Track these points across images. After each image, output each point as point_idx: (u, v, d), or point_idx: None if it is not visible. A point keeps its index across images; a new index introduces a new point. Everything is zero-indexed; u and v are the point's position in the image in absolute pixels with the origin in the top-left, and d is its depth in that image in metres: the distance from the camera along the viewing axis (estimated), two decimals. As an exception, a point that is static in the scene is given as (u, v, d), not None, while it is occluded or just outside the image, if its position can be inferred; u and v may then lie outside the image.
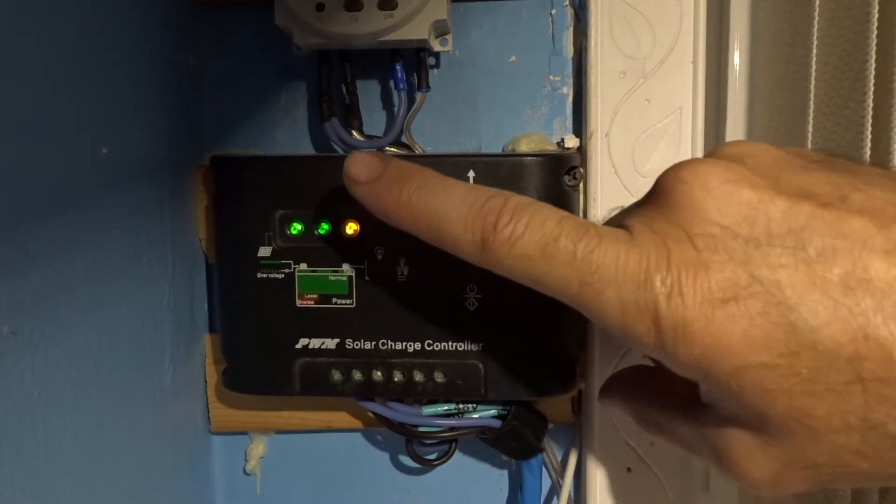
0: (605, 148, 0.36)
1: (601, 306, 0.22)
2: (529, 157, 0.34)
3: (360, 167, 0.27)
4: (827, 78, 0.31)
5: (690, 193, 0.21)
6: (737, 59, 0.36)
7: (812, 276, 0.19)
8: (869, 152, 0.28)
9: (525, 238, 0.23)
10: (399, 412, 0.37)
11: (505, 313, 0.34)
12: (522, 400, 0.37)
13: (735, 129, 0.37)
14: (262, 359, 0.36)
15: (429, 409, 0.37)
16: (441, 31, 0.36)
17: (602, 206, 0.36)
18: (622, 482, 0.37)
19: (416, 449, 0.39)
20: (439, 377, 0.35)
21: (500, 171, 0.33)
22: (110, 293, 0.31)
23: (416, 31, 0.34)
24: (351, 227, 0.34)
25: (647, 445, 0.37)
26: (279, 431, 0.42)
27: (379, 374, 0.35)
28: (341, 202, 0.34)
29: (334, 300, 0.35)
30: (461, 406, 0.37)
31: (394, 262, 0.34)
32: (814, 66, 0.31)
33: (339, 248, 0.34)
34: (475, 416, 0.37)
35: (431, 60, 0.39)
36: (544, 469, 0.40)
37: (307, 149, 0.41)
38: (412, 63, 0.37)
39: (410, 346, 0.35)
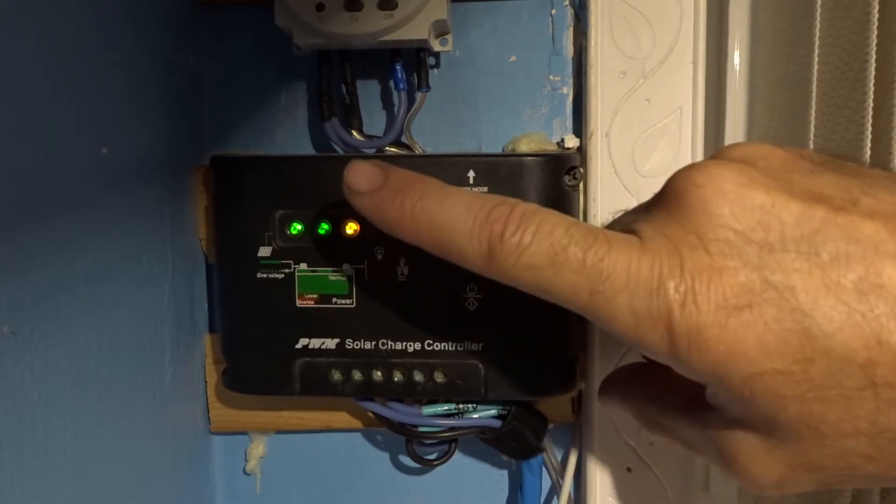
0: (605, 148, 0.36)
1: (612, 314, 0.21)
2: (529, 157, 0.34)
3: (360, 177, 0.26)
4: (827, 78, 0.31)
5: (704, 197, 0.21)
6: (737, 59, 0.36)
7: (826, 281, 0.19)
8: (869, 152, 0.28)
9: (533, 247, 0.22)
10: (399, 412, 0.37)
11: (505, 313, 0.34)
12: (522, 400, 0.37)
13: (735, 129, 0.37)
14: (262, 359, 0.36)
15: (429, 409, 0.37)
16: (441, 31, 0.36)
17: (602, 205, 0.36)
18: (622, 482, 0.37)
19: (416, 449, 0.39)
20: (439, 377, 0.35)
21: (500, 171, 0.33)
22: (110, 293, 0.31)
23: (416, 31, 0.34)
24: (351, 227, 0.34)
25: (647, 445, 0.37)
26: (279, 431, 0.42)
27: (379, 374, 0.35)
28: (341, 202, 0.34)
29: (334, 300, 0.35)
30: (461, 406, 0.37)
31: (394, 262, 0.34)
32: (816, 67, 0.31)
33: (339, 248, 0.34)
34: (475, 416, 0.37)
35: (431, 60, 0.39)
36: (544, 469, 0.40)
37: (307, 149, 0.41)
38: (412, 63, 0.37)
39: (410, 346, 0.35)
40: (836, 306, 0.19)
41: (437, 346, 0.34)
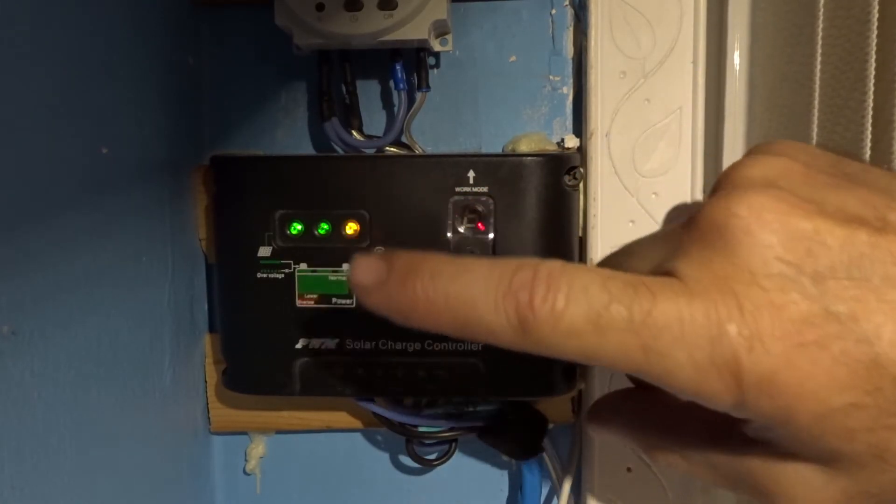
0: (605, 148, 0.36)
1: (669, 370, 0.20)
2: (529, 157, 0.34)
3: (363, 272, 0.24)
4: (827, 78, 0.31)
5: (749, 229, 0.20)
6: (737, 59, 0.36)
7: (882, 306, 0.19)
8: (869, 152, 0.28)
9: (570, 311, 0.20)
10: (399, 412, 0.37)
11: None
12: (522, 400, 0.37)
13: (735, 129, 0.37)
14: (262, 359, 0.36)
15: (429, 409, 0.37)
16: (441, 31, 0.36)
17: (602, 206, 0.36)
18: (622, 482, 0.37)
19: (416, 449, 0.39)
20: (439, 377, 0.35)
21: (500, 171, 0.33)
22: (110, 293, 0.31)
23: (416, 31, 0.34)
24: (351, 227, 0.34)
25: (647, 445, 0.37)
26: (279, 431, 0.42)
27: (379, 374, 0.35)
28: (341, 202, 0.34)
29: (334, 300, 0.35)
30: (461, 406, 0.37)
31: (394, 262, 0.34)
32: (818, 66, 0.31)
33: (339, 248, 0.34)
34: (475, 416, 0.37)
35: (431, 60, 0.39)
36: (544, 469, 0.40)
37: (307, 149, 0.41)
38: (412, 63, 0.37)
39: (410, 346, 0.35)
40: None
41: (437, 345, 0.34)
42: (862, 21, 0.28)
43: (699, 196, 0.35)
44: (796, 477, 0.21)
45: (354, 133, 0.38)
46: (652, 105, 0.35)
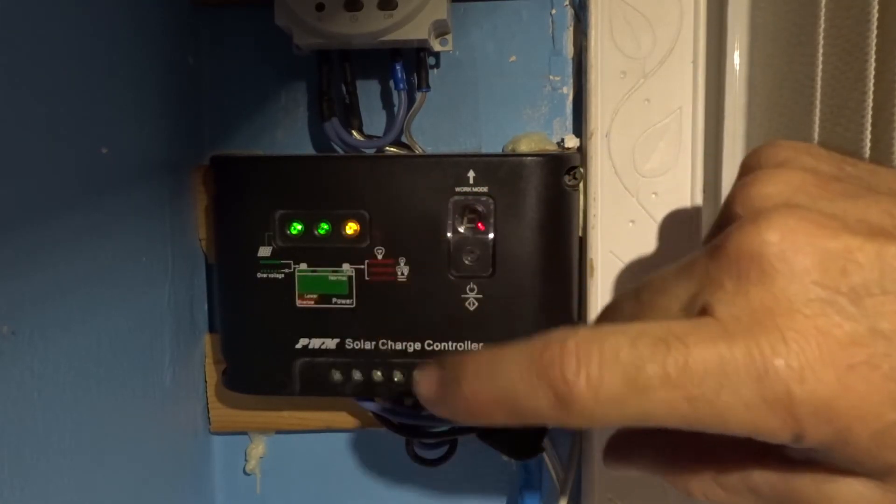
0: (605, 148, 0.36)
1: (719, 414, 0.19)
2: (529, 157, 0.34)
3: (426, 387, 0.24)
4: (827, 78, 0.31)
5: (783, 256, 0.19)
6: (737, 59, 0.36)
7: None
8: (869, 152, 0.28)
9: (606, 379, 0.20)
10: (399, 412, 0.37)
11: (505, 313, 0.34)
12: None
13: (735, 129, 0.37)
14: (262, 359, 0.36)
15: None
16: (441, 31, 0.36)
17: (602, 205, 0.36)
18: (622, 482, 0.37)
19: (416, 449, 0.39)
20: (439, 377, 0.35)
21: (500, 171, 0.33)
22: (110, 293, 0.31)
23: (416, 31, 0.34)
24: (351, 227, 0.34)
25: (647, 445, 0.37)
26: (279, 431, 0.42)
27: (379, 374, 0.35)
28: (341, 202, 0.34)
29: (334, 300, 0.35)
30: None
31: (394, 262, 0.34)
32: (820, 67, 0.31)
33: (339, 248, 0.34)
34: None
35: (431, 60, 0.39)
36: (544, 469, 0.40)
37: (307, 149, 0.41)
38: (412, 63, 0.37)
39: (410, 346, 0.35)
40: None
41: (437, 346, 0.34)
42: (862, 21, 0.28)
43: (699, 196, 0.35)
44: (851, 493, 0.21)
45: (354, 133, 0.38)
46: (652, 105, 0.35)
